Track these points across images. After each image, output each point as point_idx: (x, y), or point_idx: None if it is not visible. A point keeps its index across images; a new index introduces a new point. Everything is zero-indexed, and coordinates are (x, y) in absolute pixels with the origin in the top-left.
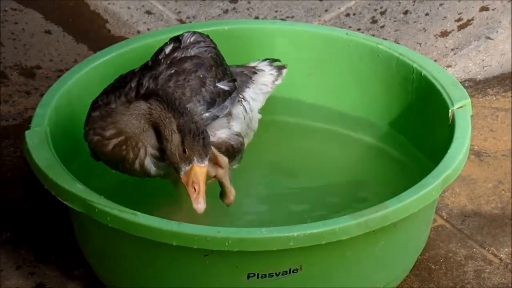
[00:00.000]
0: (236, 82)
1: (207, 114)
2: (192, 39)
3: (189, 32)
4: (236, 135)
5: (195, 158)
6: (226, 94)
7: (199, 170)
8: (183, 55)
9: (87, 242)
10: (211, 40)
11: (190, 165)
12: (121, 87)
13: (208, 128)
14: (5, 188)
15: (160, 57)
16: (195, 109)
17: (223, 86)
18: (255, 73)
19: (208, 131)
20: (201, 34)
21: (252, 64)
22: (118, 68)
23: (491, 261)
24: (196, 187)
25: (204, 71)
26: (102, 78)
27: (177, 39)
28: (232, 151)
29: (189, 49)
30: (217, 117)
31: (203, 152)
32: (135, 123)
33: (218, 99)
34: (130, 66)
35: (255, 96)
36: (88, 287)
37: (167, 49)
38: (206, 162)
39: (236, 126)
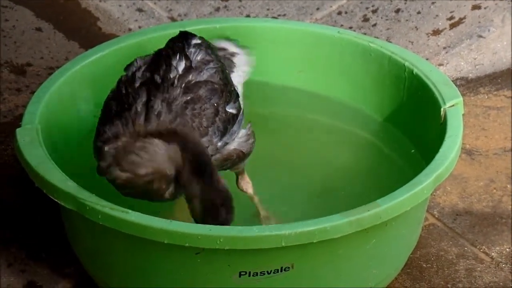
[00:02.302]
0: (239, 100)
1: (220, 144)
2: (199, 58)
3: (194, 47)
4: (245, 140)
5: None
6: (235, 118)
7: None
8: (197, 80)
9: (78, 240)
10: (216, 55)
11: None
12: (125, 110)
13: (219, 152)
14: None
15: (171, 76)
16: (211, 140)
17: (231, 110)
18: (233, 55)
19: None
20: (206, 50)
21: (222, 45)
22: (109, 66)
23: (482, 260)
24: None
25: (217, 98)
26: (93, 76)
27: (186, 56)
28: (243, 156)
29: (201, 72)
30: (227, 143)
31: (225, 220)
32: (168, 165)
33: (229, 127)
34: (121, 64)
35: (239, 79)
36: (79, 285)
37: (180, 68)
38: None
39: (237, 128)
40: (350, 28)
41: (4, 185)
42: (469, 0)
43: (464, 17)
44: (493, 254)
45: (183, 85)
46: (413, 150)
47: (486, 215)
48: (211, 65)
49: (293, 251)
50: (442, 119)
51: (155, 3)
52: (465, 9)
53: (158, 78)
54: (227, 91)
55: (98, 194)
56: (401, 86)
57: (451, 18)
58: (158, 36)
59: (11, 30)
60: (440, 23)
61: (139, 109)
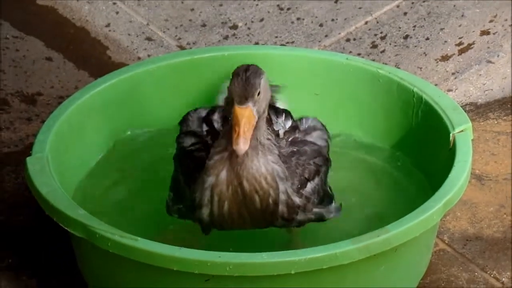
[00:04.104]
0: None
1: (316, 210)
2: (312, 124)
3: (307, 117)
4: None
5: (234, 100)
6: (332, 197)
7: (239, 111)
8: (304, 138)
9: (88, 267)
10: (326, 130)
11: (232, 107)
12: None
13: (312, 212)
14: (6, 214)
15: (275, 128)
16: (308, 198)
17: (328, 188)
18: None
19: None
20: (318, 119)
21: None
22: (119, 94)
23: (493, 285)
24: (236, 129)
25: (321, 161)
26: (103, 105)
27: (291, 117)
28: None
29: (309, 134)
30: (322, 214)
31: (242, 93)
32: None
33: (325, 199)
34: (131, 92)
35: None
36: None
37: (287, 124)
38: (248, 104)
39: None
40: (359, 54)
41: (15, 213)
42: (478, 25)
43: (473, 43)
44: (503, 279)
45: (290, 139)
46: (422, 175)
47: (497, 240)
48: (321, 133)
49: (303, 277)
50: (451, 144)
51: (164, 32)
52: (474, 35)
53: None
54: (328, 164)
55: (107, 222)
56: (410, 112)
57: (459, 43)
58: (167, 65)
59: (22, 60)
60: (448, 49)
61: None
